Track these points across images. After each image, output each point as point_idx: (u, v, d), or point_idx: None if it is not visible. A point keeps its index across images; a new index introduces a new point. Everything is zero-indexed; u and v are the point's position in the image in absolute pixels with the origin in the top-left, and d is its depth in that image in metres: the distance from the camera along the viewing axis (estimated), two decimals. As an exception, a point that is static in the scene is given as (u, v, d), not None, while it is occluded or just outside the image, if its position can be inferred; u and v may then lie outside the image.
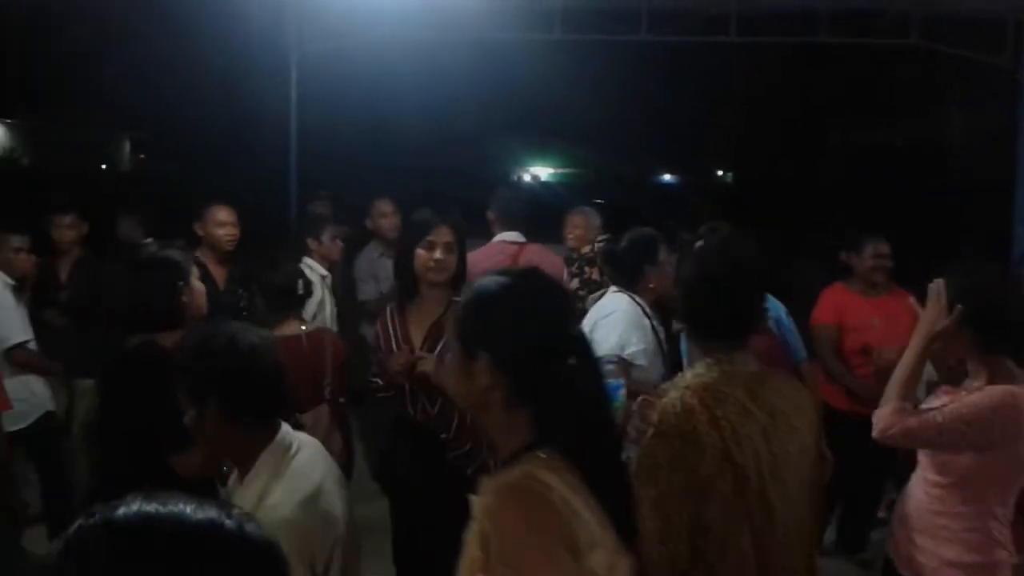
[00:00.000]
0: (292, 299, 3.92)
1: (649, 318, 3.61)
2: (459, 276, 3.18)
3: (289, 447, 1.97)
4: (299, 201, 7.29)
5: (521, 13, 7.16)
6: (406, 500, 3.30)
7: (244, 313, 4.32)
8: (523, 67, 10.85)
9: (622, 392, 3.24)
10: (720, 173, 24.26)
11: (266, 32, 7.59)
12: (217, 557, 0.85)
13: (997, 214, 6.86)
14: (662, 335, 3.68)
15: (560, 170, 24.12)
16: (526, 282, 1.63)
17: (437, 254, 3.10)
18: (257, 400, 1.96)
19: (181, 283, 2.85)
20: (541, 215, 5.29)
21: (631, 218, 5.48)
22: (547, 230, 5.50)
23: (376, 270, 5.22)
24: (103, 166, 32.74)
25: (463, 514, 3.21)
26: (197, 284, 2.98)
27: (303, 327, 3.93)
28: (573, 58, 10.23)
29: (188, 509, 0.86)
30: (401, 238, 3.38)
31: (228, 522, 0.87)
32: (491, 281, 1.61)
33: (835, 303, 4.75)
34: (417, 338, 3.18)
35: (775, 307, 4.03)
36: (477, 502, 1.49)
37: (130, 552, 0.83)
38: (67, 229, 4.91)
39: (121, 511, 0.86)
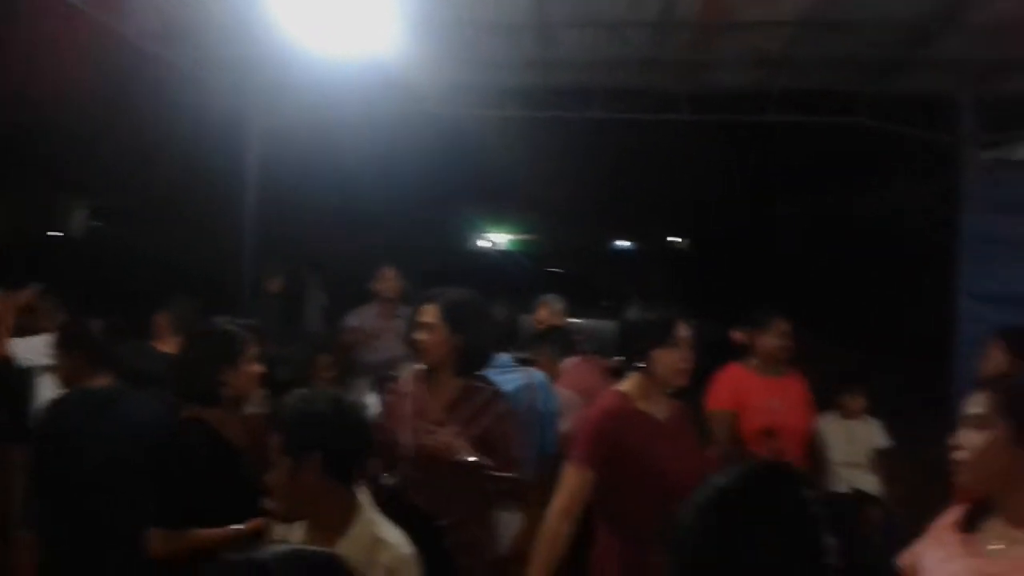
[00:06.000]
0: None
1: None
2: (460, 353, 2.95)
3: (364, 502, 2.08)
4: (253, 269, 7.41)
5: (476, 91, 7.33)
6: None
7: None
8: (480, 141, 11.08)
9: None
10: (676, 239, 24.65)
11: (227, 108, 7.64)
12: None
13: (941, 285, 6.98)
14: None
15: (517, 237, 24.27)
16: None
17: (421, 335, 2.93)
18: (354, 457, 2.05)
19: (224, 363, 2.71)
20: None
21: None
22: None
23: (377, 330, 5.59)
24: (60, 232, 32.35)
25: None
26: (247, 366, 2.77)
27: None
28: (529, 133, 10.44)
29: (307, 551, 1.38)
30: None
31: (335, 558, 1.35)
32: None
33: (732, 386, 4.36)
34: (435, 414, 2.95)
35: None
36: None
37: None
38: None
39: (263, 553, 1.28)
